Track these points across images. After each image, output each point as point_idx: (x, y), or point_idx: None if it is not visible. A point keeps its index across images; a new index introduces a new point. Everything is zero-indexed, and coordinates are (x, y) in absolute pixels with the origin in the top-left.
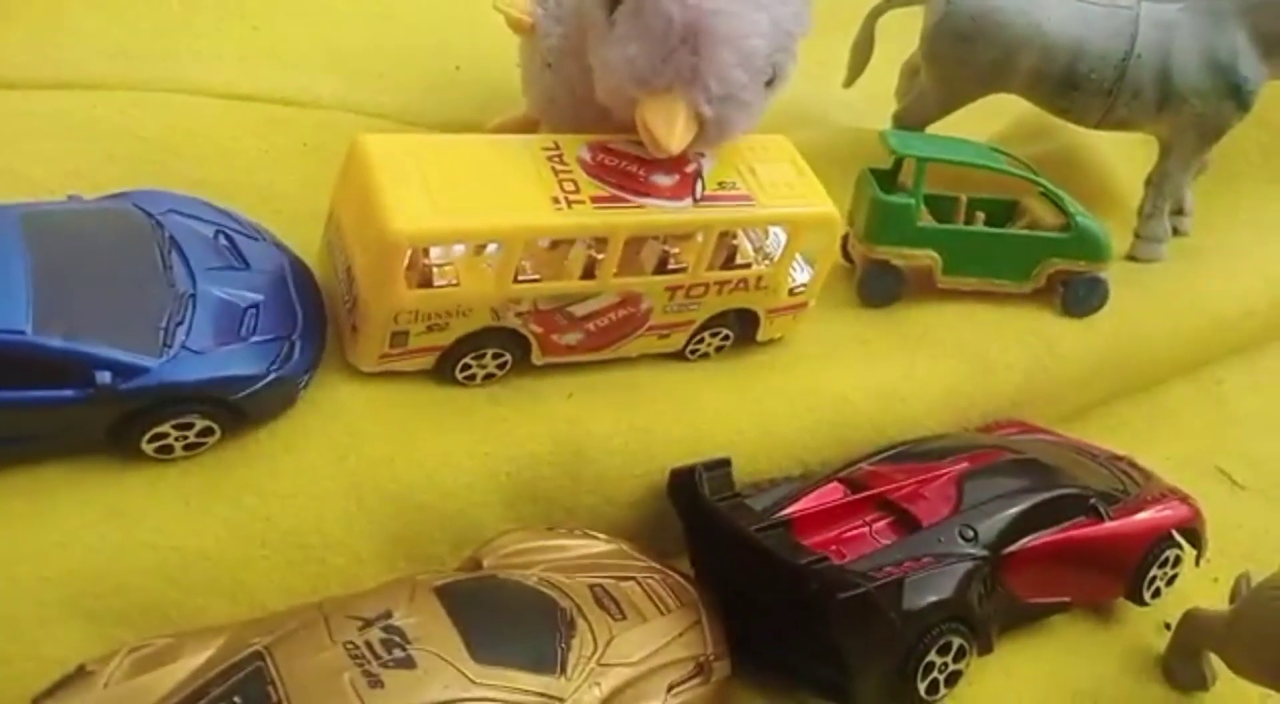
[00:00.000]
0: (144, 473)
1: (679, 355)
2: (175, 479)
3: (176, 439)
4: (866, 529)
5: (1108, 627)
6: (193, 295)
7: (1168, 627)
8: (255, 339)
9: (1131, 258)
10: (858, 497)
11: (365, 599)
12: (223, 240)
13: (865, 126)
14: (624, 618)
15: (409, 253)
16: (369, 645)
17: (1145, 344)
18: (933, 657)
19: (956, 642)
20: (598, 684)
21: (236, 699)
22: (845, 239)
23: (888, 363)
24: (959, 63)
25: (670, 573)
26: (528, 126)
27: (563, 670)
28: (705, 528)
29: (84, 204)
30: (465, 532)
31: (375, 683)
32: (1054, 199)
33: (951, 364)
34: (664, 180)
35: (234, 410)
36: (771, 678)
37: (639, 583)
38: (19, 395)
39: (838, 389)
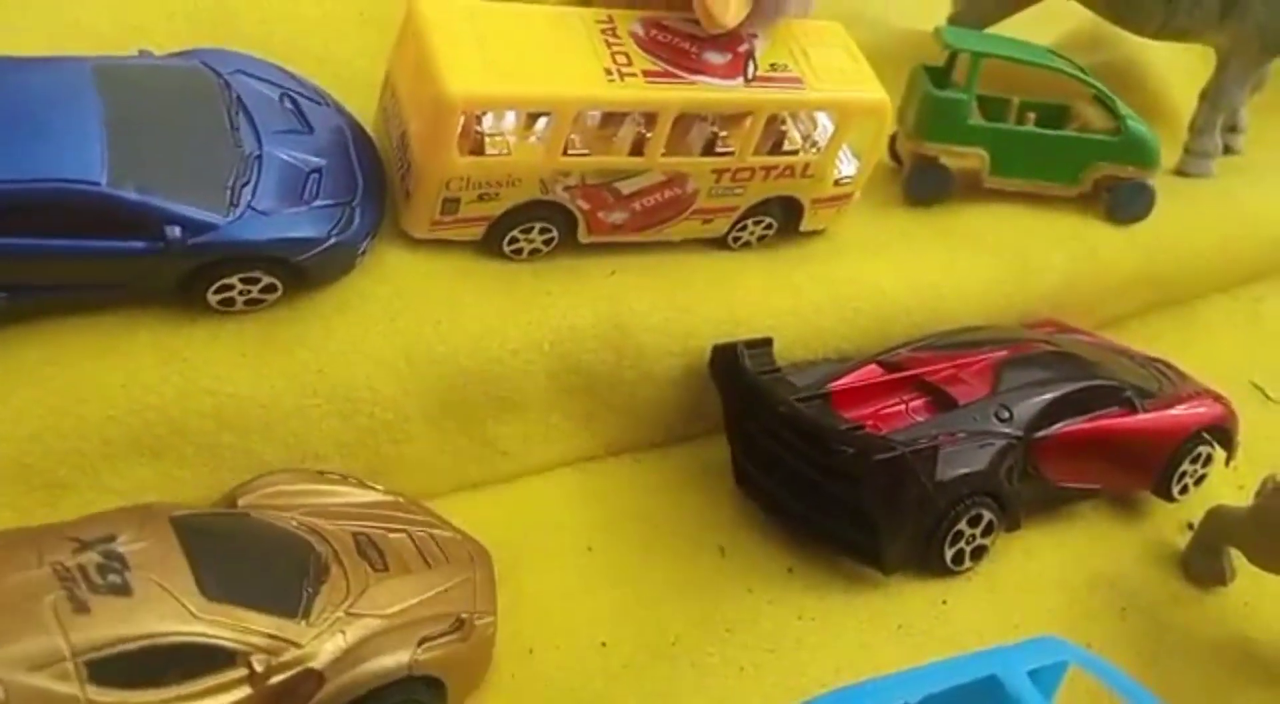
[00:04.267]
0: (206, 324)
1: (721, 242)
2: (234, 332)
3: (240, 293)
4: (903, 407)
5: (1131, 521)
6: (259, 157)
7: (1190, 527)
8: (317, 204)
9: (1180, 172)
10: (896, 376)
11: (91, 522)
12: (288, 104)
13: (919, 28)
14: (385, 569)
15: (463, 117)
16: (81, 569)
17: (1186, 257)
18: (962, 527)
19: (986, 515)
20: (342, 632)
21: None
22: (893, 139)
23: (928, 258)
24: None
25: (446, 529)
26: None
27: (305, 615)
28: (745, 402)
29: (154, 59)
30: (508, 398)
31: (81, 608)
32: (1106, 101)
33: (992, 263)
34: (716, 58)
35: (295, 271)
36: (804, 544)
37: (410, 536)
38: (91, 245)
39: (877, 281)
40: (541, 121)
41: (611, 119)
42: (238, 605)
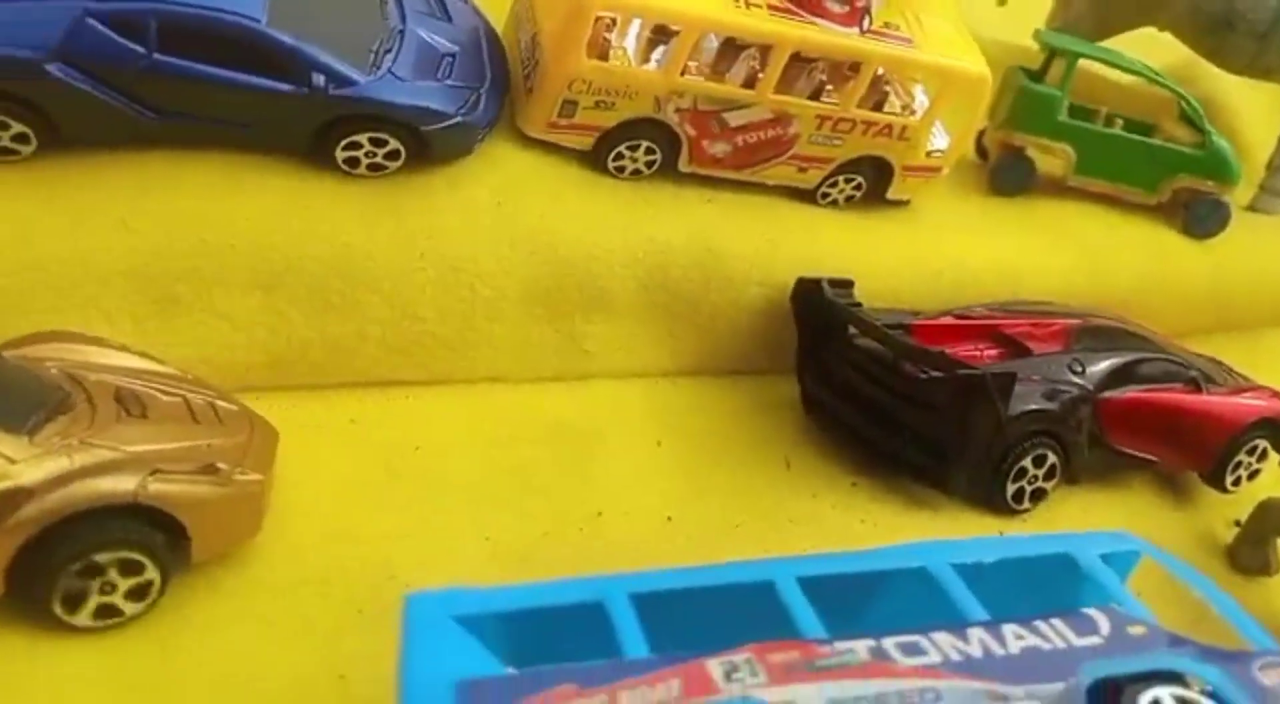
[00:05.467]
0: (332, 181)
1: (810, 196)
2: (356, 191)
3: (366, 155)
4: (978, 352)
5: (1182, 508)
6: (401, 31)
7: (1237, 524)
8: (449, 83)
9: (1252, 208)
10: (973, 322)
11: None
12: None
13: (1013, 42)
14: (141, 416)
15: (594, 18)
16: None
17: (1255, 284)
18: (1027, 464)
19: (1050, 458)
20: (69, 456)
21: None
22: (980, 135)
23: (1007, 241)
24: None
25: (233, 404)
26: None
27: (29, 434)
28: (824, 330)
29: None
30: (599, 299)
31: None
32: (1192, 114)
33: (1068, 254)
34: (836, 7)
35: (421, 140)
36: (871, 465)
37: (186, 401)
38: (243, 79)
39: (959, 253)
40: (660, 50)
41: (728, 53)
42: None
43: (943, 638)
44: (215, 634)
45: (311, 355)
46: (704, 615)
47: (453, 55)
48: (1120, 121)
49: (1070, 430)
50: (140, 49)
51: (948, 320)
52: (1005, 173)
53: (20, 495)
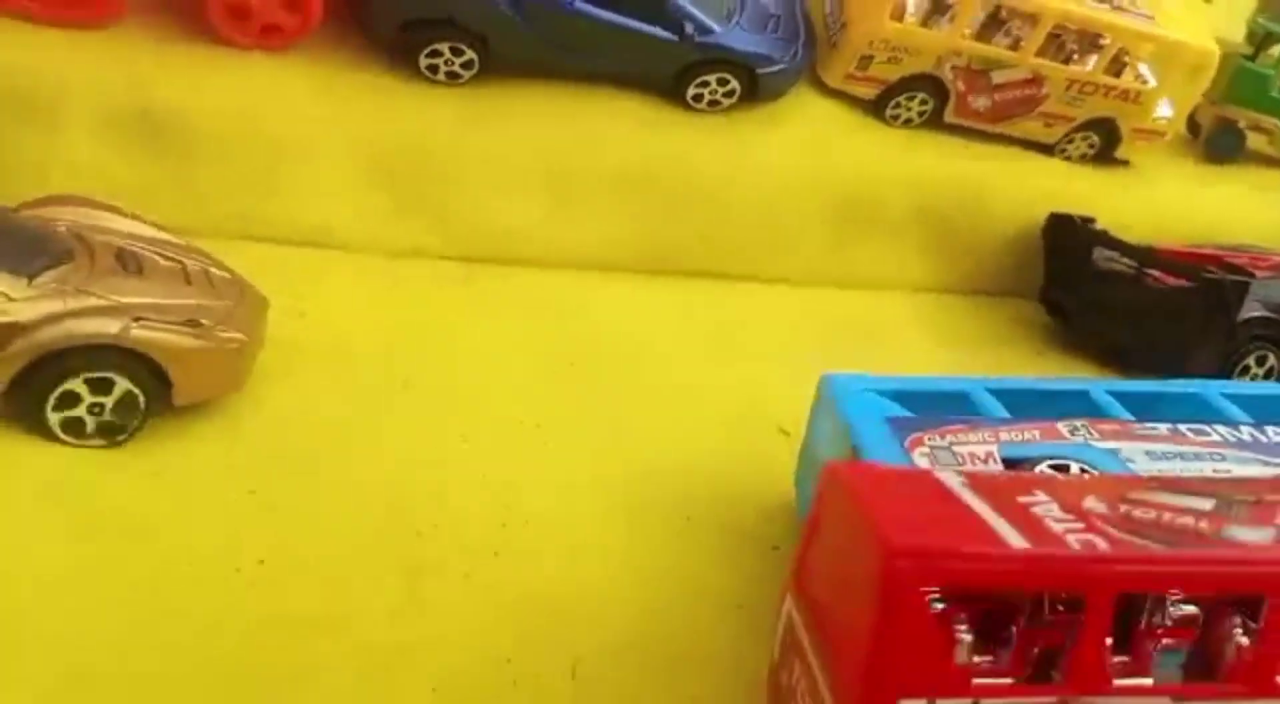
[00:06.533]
0: (679, 114)
1: (1049, 151)
2: (706, 125)
3: (710, 92)
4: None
5: None
6: None
7: None
8: (776, 36)
9: None
10: (1202, 252)
11: None
12: None
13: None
14: (137, 273)
15: None
16: None
17: None
18: (1250, 362)
19: (1270, 359)
20: (62, 299)
21: None
22: (1192, 113)
23: (1220, 192)
24: None
25: (227, 272)
26: None
27: (29, 278)
28: (1076, 253)
29: None
30: (877, 220)
31: None
32: None
33: (1275, 211)
34: None
35: (754, 82)
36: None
37: (184, 266)
38: (636, 25)
39: (1177, 204)
40: (934, 15)
41: (991, 22)
42: None
43: (1221, 428)
44: None
45: (654, 248)
46: (1037, 412)
47: (778, 16)
48: None
49: None
50: None
51: (1181, 247)
52: (1220, 141)
53: (14, 330)
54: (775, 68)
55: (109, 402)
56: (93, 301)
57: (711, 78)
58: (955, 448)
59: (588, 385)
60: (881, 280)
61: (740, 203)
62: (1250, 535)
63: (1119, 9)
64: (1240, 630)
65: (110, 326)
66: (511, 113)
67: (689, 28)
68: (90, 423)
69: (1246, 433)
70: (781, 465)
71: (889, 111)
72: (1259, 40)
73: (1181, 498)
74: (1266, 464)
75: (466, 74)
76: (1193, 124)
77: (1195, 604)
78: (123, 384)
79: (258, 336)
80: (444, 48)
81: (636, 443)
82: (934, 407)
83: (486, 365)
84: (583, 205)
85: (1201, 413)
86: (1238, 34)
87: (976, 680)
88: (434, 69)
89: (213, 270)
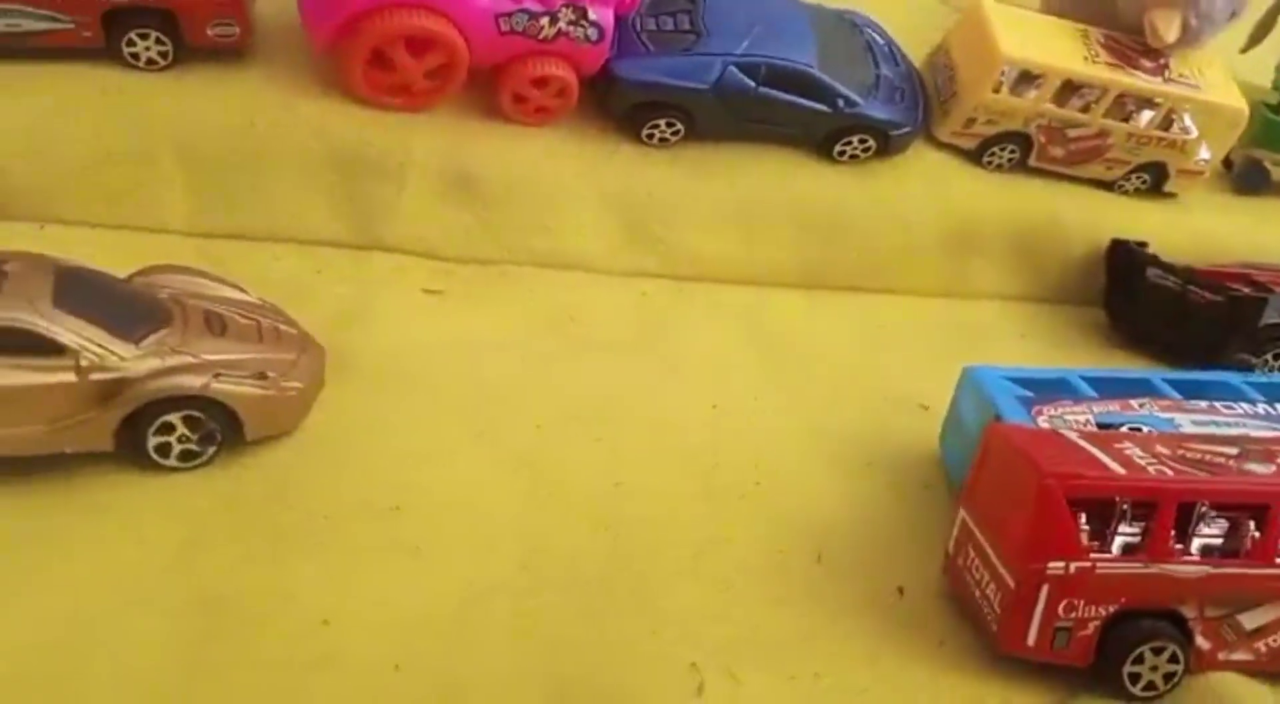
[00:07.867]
0: (823, 166)
1: (1108, 186)
2: (842, 176)
3: (850, 151)
4: (1238, 289)
5: None
6: (879, 74)
7: None
8: (903, 106)
9: None
10: (1232, 271)
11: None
12: (887, 47)
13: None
14: (221, 335)
15: (1003, 67)
16: None
17: None
18: (1268, 357)
19: None
20: (161, 358)
21: None
22: (1228, 153)
23: (1247, 219)
24: None
25: (294, 328)
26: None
27: (137, 342)
28: (1132, 272)
29: (821, 9)
30: (979, 243)
31: None
32: None
33: None
34: (1147, 62)
35: (887, 141)
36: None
37: (259, 325)
38: (800, 102)
39: (1218, 233)
40: (1022, 86)
41: (1070, 89)
42: (82, 319)
43: (1243, 405)
44: None
45: (816, 267)
46: (1115, 392)
47: (901, 89)
48: None
49: None
50: (753, 83)
51: (1217, 267)
52: (1247, 177)
53: (126, 383)
54: (903, 130)
55: (195, 435)
56: (185, 360)
57: (854, 138)
58: (1066, 416)
59: (772, 373)
60: (983, 291)
61: (877, 232)
62: (1262, 469)
63: (1169, 80)
64: (1253, 526)
65: (196, 382)
66: (710, 167)
67: (840, 103)
68: (176, 448)
69: (1261, 409)
70: (925, 431)
71: (985, 158)
72: None
73: (1216, 446)
74: (1275, 429)
75: (674, 139)
76: (1227, 162)
77: (1225, 512)
78: (206, 423)
79: (316, 381)
80: (661, 122)
81: (815, 414)
82: (1045, 388)
83: (698, 357)
84: (763, 236)
85: (1230, 395)
86: (1266, 78)
87: (1092, 554)
88: (651, 136)
89: (281, 327)
